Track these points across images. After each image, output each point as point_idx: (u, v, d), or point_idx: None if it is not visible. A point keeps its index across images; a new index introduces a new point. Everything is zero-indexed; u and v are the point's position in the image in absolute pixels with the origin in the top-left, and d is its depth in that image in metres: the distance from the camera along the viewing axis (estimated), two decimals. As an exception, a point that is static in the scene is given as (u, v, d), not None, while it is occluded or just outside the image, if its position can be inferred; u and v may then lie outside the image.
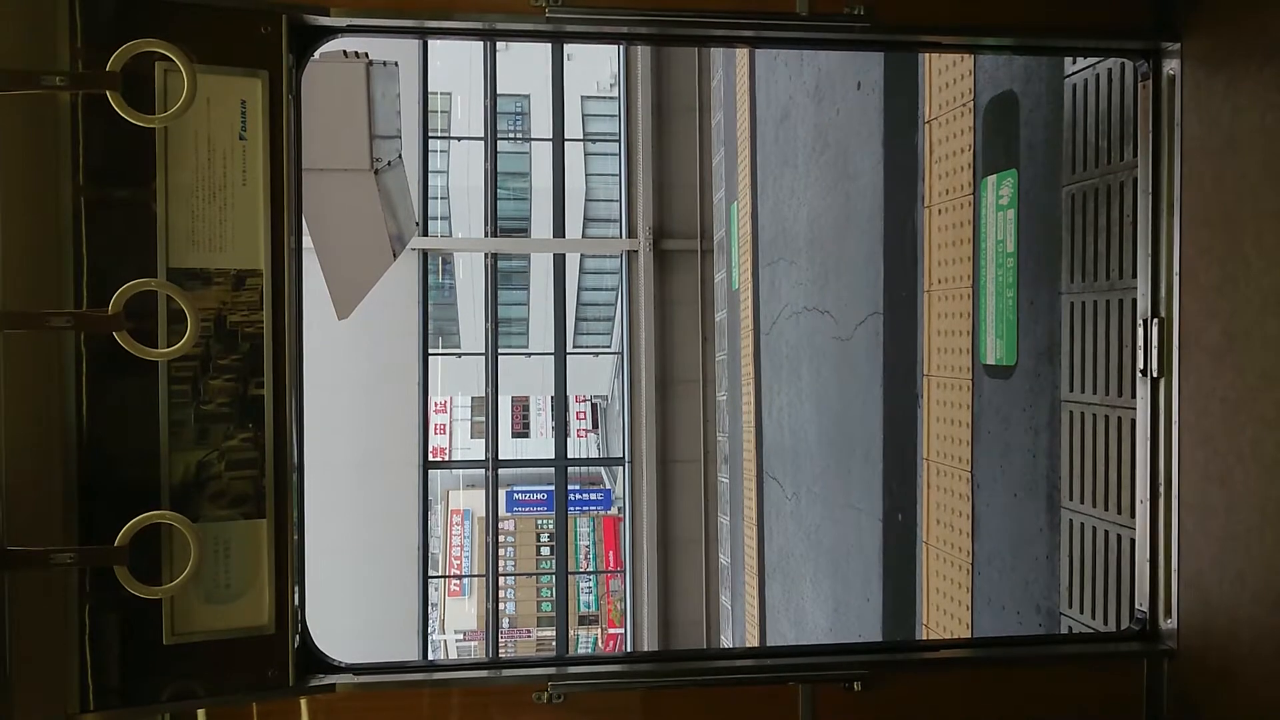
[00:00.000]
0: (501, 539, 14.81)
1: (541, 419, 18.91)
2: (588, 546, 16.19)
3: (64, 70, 2.04)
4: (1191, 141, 2.49)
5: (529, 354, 16.08)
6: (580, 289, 16.64)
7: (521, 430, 19.25)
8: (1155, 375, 2.58)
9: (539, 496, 16.32)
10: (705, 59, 11.66)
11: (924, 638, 5.07)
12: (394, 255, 6.57)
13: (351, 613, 11.07)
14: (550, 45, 11.77)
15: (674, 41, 2.73)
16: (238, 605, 2.24)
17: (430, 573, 12.77)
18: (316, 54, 2.40)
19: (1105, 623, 3.42)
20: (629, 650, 12.70)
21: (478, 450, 14.73)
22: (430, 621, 13.08)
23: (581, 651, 15.61)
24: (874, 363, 5.85)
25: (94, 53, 2.05)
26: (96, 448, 2.12)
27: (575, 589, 16.16)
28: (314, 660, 2.38)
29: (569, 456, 13.74)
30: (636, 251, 12.07)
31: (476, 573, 17.09)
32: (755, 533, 9.03)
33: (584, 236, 14.87)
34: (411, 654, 11.97)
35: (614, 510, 15.80)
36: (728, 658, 3.05)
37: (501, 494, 14.31)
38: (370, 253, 6.33)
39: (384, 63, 5.88)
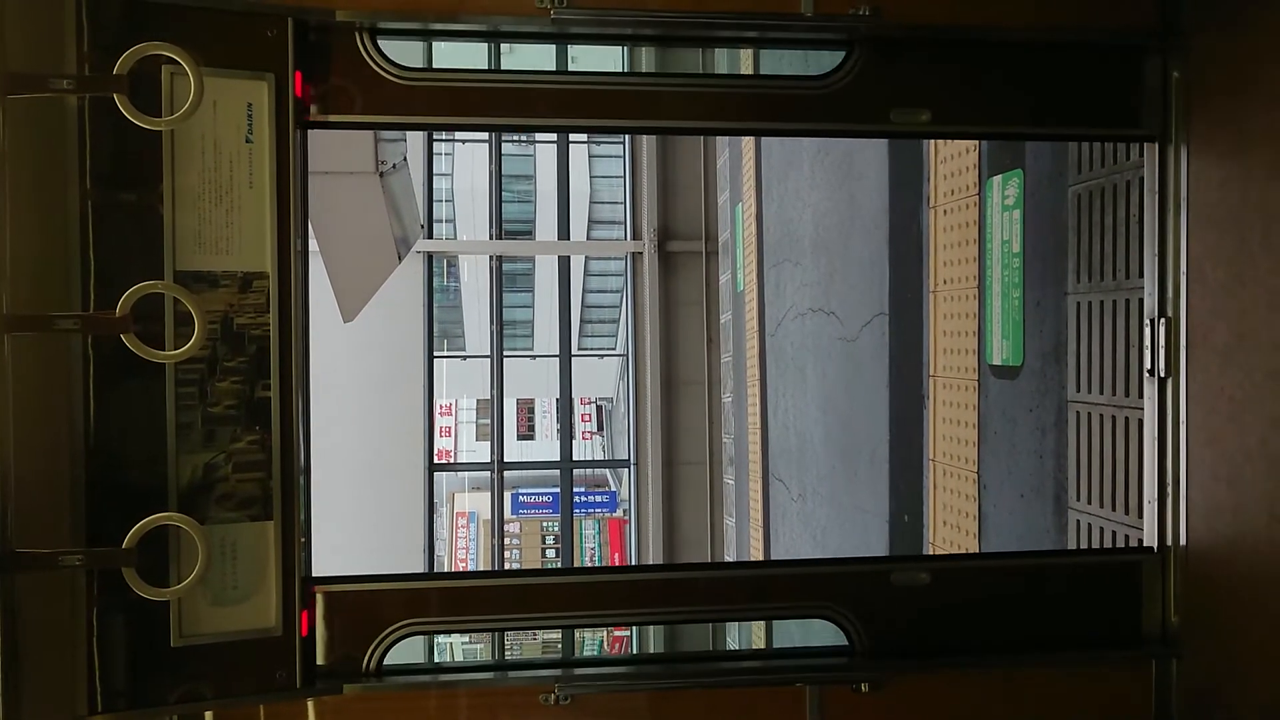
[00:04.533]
0: (507, 541, 14.79)
1: (547, 421, 18.90)
2: (593, 549, 16.18)
3: (71, 73, 2.05)
4: (1198, 141, 2.48)
5: (534, 356, 16.09)
6: (585, 291, 16.64)
7: (527, 433, 19.25)
8: (1163, 375, 2.58)
9: (544, 499, 16.30)
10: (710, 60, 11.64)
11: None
12: (399, 258, 6.59)
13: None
14: (555, 47, 11.78)
15: (679, 42, 2.72)
16: (245, 607, 2.24)
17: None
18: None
19: (1113, 624, 3.40)
20: (635, 652, 12.69)
21: (483, 453, 14.74)
22: (436, 624, 13.06)
23: (587, 653, 15.61)
24: (880, 364, 5.84)
25: (101, 56, 2.05)
26: (104, 450, 2.12)
27: (581, 591, 16.11)
28: (321, 662, 2.38)
29: (574, 459, 13.74)
30: (641, 253, 12.06)
31: (482, 575, 17.09)
32: (761, 535, 9.02)
33: (589, 239, 14.88)
34: (417, 657, 11.97)
35: (619, 512, 15.79)
36: (735, 659, 3.05)
37: (507, 496, 14.31)
38: (376, 255, 6.35)
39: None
